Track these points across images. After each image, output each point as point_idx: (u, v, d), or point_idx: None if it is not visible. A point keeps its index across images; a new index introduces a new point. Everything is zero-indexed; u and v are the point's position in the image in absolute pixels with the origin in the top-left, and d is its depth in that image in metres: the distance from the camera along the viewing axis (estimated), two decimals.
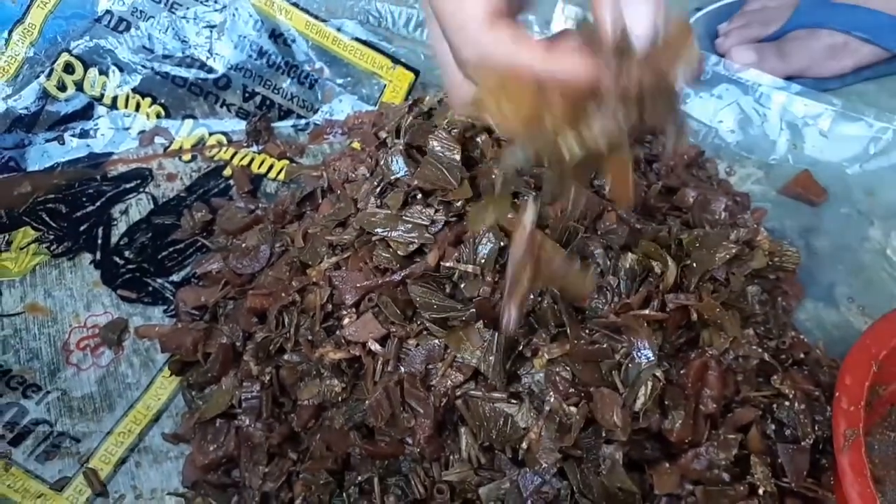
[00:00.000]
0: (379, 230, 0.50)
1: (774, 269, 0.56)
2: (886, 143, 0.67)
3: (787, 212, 0.66)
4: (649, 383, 0.46)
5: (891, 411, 0.52)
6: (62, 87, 0.70)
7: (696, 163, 0.68)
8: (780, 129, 0.70)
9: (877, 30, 0.70)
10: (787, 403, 0.50)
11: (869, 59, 0.72)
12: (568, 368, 0.46)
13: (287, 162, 0.70)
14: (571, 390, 0.45)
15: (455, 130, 0.52)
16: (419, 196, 0.51)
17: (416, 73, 0.72)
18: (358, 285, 0.49)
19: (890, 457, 0.50)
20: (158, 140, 0.71)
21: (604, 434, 0.45)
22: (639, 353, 0.45)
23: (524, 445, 0.44)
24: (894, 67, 0.73)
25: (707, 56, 0.71)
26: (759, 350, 0.50)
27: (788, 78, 0.72)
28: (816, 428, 0.49)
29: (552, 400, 0.45)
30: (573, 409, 0.44)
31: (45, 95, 0.69)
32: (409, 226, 0.50)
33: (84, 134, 0.70)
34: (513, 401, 0.45)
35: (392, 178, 0.52)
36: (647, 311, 0.46)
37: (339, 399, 0.48)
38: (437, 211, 0.50)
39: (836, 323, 0.60)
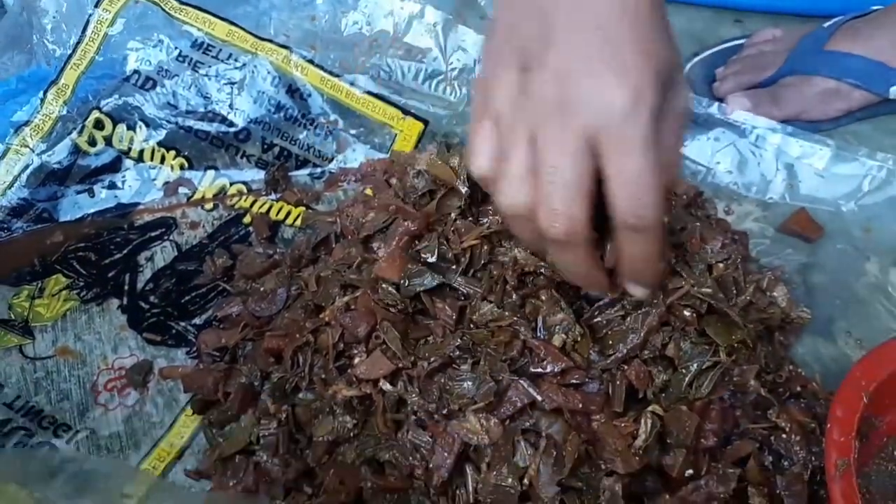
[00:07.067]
0: None
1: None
2: (880, 181, 0.69)
3: (785, 249, 0.68)
4: (649, 421, 0.48)
5: (888, 443, 0.53)
6: (92, 142, 0.74)
7: (696, 203, 0.71)
8: (777, 168, 0.72)
9: (867, 75, 0.72)
10: (783, 435, 0.51)
11: (860, 103, 0.74)
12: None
13: (304, 209, 0.74)
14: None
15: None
16: None
17: (426, 122, 0.76)
18: (367, 319, 0.52)
19: (888, 488, 0.51)
20: (182, 190, 0.74)
21: (604, 467, 0.47)
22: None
23: (525, 482, 0.46)
24: (886, 108, 0.76)
25: (702, 101, 0.74)
26: (756, 384, 0.52)
27: (783, 122, 0.75)
28: (813, 459, 0.51)
29: (554, 433, 0.47)
30: (568, 439, 0.46)
31: (76, 150, 0.74)
32: None
33: (112, 186, 0.74)
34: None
35: None
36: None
37: (351, 435, 0.51)
38: None
39: (834, 356, 0.62)
